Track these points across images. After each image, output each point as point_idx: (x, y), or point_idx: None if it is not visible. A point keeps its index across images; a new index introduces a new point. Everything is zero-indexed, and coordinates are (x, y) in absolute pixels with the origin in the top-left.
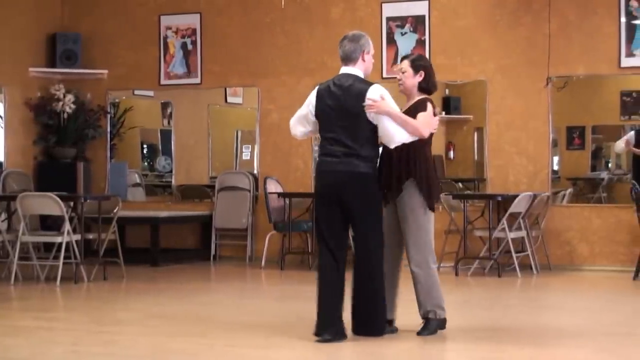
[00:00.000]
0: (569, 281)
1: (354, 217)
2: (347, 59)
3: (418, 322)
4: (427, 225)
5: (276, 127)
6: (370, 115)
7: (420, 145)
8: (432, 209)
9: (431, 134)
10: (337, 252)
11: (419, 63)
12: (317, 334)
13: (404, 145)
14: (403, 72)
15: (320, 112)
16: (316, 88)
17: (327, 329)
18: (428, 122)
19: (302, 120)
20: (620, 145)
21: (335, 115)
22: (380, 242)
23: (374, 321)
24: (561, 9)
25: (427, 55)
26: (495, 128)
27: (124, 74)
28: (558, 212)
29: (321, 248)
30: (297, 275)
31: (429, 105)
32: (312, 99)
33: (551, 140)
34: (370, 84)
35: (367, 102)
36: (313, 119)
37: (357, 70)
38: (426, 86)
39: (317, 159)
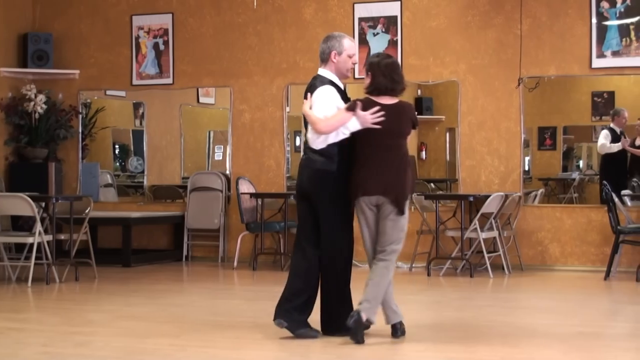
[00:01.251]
0: (540, 281)
1: (318, 214)
2: (320, 60)
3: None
4: None
5: (248, 127)
6: None
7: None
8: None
9: (366, 133)
10: (308, 248)
11: (367, 64)
12: (273, 318)
13: None
14: None
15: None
16: None
17: (281, 315)
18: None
19: None
20: (614, 145)
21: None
22: (343, 240)
23: (338, 320)
24: (532, 10)
25: (398, 56)
26: (467, 128)
27: (95, 74)
28: (530, 213)
29: (296, 242)
30: (270, 276)
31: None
32: None
33: (523, 141)
34: (323, 84)
35: None
36: None
37: (326, 70)
38: (368, 87)
39: None
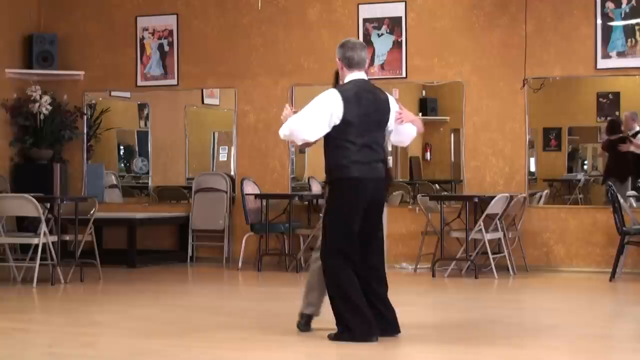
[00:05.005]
0: (545, 282)
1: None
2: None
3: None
4: None
5: (253, 128)
6: None
7: None
8: None
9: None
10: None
11: None
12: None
13: None
14: None
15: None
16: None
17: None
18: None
19: None
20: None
21: None
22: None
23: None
24: (537, 11)
25: (403, 57)
26: (472, 129)
27: (100, 75)
28: (535, 214)
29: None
30: (274, 277)
31: None
32: None
33: (528, 142)
34: None
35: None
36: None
37: None
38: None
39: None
